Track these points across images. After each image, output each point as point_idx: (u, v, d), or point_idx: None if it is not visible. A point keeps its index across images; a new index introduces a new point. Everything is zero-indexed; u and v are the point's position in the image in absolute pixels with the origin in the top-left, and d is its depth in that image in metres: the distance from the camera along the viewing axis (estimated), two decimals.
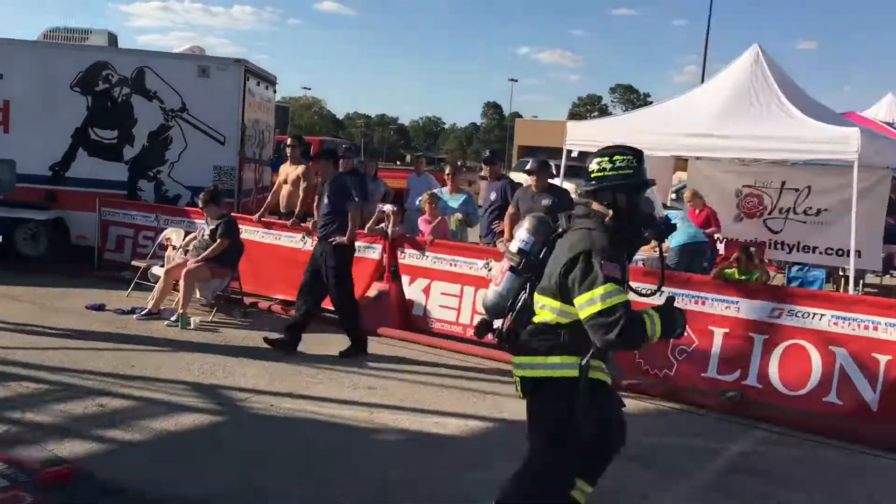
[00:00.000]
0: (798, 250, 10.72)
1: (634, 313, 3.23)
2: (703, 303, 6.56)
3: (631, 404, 6.29)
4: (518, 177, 12.23)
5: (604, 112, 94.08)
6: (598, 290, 3.18)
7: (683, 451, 5.45)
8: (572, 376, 3.32)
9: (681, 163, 14.49)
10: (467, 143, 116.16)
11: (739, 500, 4.73)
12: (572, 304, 3.28)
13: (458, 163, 19.78)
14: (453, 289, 7.97)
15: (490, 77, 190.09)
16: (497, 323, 3.77)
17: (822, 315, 6.04)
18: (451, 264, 8.01)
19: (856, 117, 12.28)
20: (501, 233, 8.15)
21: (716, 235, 10.45)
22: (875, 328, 5.85)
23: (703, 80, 22.85)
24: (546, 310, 3.42)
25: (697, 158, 11.10)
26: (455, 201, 9.18)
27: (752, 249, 7.01)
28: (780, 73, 9.22)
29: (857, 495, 4.93)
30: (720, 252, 10.36)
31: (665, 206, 10.28)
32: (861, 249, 8.55)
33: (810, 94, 9.60)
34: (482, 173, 15.64)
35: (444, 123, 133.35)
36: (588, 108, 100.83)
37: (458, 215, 8.94)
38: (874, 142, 8.38)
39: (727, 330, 6.45)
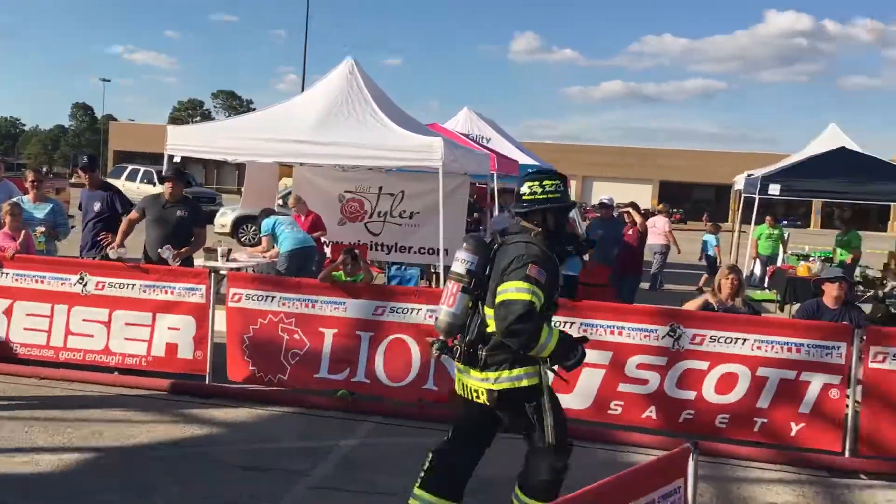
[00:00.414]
0: (396, 251, 11.54)
1: (536, 317, 3.54)
2: (313, 305, 6.71)
3: (245, 413, 6.28)
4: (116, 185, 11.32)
5: (206, 117, 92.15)
6: (515, 283, 3.52)
7: (300, 452, 5.52)
8: (535, 384, 3.66)
9: (286, 169, 14.71)
10: (53, 147, 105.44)
11: (350, 491, 4.92)
12: None
13: (43, 168, 17.73)
14: (42, 308, 7.11)
15: (77, 76, 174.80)
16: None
17: (418, 309, 6.55)
18: (37, 281, 7.13)
19: (438, 128, 13.58)
20: (109, 244, 7.61)
21: (322, 239, 10.80)
22: None
23: (303, 89, 23.48)
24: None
25: (301, 165, 11.36)
26: (40, 211, 8.21)
27: (357, 252, 7.34)
28: (373, 85, 9.84)
29: None
30: (328, 255, 10.72)
31: (273, 212, 10.35)
32: (448, 247, 9.47)
33: (401, 106, 10.39)
34: (73, 180, 14.23)
35: (25, 125, 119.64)
36: (190, 112, 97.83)
37: (42, 227, 7.98)
38: (454, 151, 9.35)
39: (336, 330, 6.68)
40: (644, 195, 57.61)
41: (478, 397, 3.82)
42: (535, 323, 3.58)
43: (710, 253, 15.30)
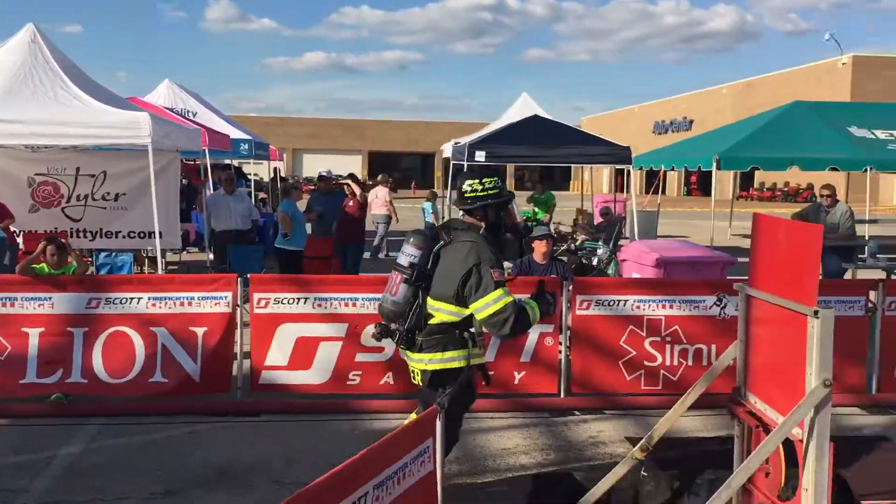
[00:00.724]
0: (102, 236, 10.59)
1: (519, 307, 3.97)
2: (13, 304, 5.99)
3: None
4: None
5: None
6: (491, 295, 3.93)
7: (14, 468, 4.95)
8: (461, 366, 4.06)
9: None
10: None
11: (77, 503, 4.51)
12: (466, 307, 4.01)
13: None
14: None
15: None
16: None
17: (139, 298, 6.11)
18: None
19: (140, 102, 12.66)
20: None
21: (12, 228, 9.63)
22: (190, 304, 6.19)
23: None
24: (442, 312, 4.07)
25: None
26: None
27: (63, 241, 6.64)
28: (61, 55, 8.88)
29: (194, 459, 5.18)
30: (21, 247, 9.58)
31: None
32: (162, 230, 8.90)
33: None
34: None
35: None
36: None
37: None
38: (163, 126, 8.76)
39: (42, 329, 6.03)
40: (354, 166, 58.66)
41: (414, 377, 4.19)
42: (525, 315, 4.03)
43: (428, 219, 15.99)
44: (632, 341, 6.31)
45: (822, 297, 4.70)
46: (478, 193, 4.13)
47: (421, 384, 4.18)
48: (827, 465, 3.37)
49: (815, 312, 3.30)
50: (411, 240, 4.14)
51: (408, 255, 4.12)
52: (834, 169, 12.31)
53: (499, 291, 3.94)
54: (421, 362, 4.11)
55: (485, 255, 3.99)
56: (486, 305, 3.95)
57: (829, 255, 9.47)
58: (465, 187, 4.15)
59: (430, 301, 4.10)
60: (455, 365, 4.08)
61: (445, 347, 4.07)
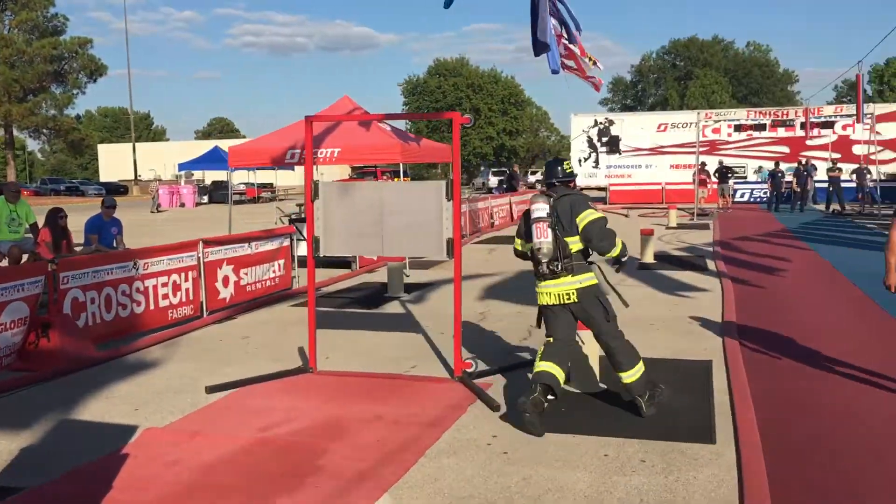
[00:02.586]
0: None
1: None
2: None
3: None
4: None
5: None
6: (591, 212, 5.70)
7: None
8: (595, 283, 5.73)
9: None
10: None
11: None
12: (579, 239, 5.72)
13: None
14: None
15: None
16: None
17: None
18: None
19: None
20: None
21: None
22: None
23: None
24: (574, 244, 5.69)
25: None
26: None
27: None
28: None
29: None
30: None
31: None
32: None
33: None
34: None
35: None
36: None
37: None
38: None
39: None
40: None
41: (569, 298, 5.67)
42: (612, 230, 5.75)
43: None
44: None
45: None
46: (571, 169, 6.07)
47: (568, 301, 5.68)
48: None
49: None
50: (539, 200, 5.76)
51: (542, 209, 5.68)
52: None
53: (598, 213, 5.72)
54: (574, 283, 5.67)
55: (584, 198, 5.82)
56: (588, 216, 5.65)
57: None
58: (566, 167, 6.02)
59: (566, 238, 5.68)
60: (594, 282, 5.75)
61: (583, 271, 5.69)
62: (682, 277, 12.45)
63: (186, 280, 9.43)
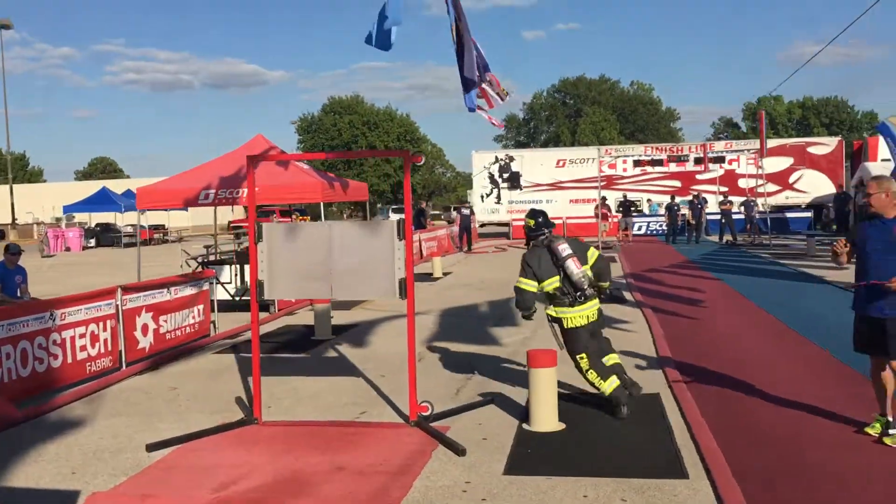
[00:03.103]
0: None
1: None
2: None
3: None
4: None
5: None
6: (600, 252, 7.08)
7: None
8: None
9: None
10: None
11: None
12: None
13: None
14: None
15: None
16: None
17: None
18: None
19: None
20: None
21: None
22: None
23: None
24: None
25: None
26: None
27: None
28: None
29: None
30: None
31: None
32: None
33: None
34: None
35: None
36: None
37: None
38: None
39: None
40: None
41: (594, 316, 6.77)
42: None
43: None
44: None
45: None
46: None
47: (594, 319, 6.78)
48: None
49: None
50: (564, 241, 6.76)
51: (566, 248, 6.68)
52: None
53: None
54: (596, 304, 6.80)
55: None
56: (595, 253, 6.89)
57: None
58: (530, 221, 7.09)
59: (586, 268, 6.72)
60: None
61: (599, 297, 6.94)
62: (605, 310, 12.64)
63: (105, 329, 8.86)
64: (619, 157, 34.24)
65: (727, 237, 28.62)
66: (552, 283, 6.67)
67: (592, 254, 6.80)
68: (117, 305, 9.09)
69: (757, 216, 29.51)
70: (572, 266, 6.60)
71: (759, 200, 30.28)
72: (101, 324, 8.80)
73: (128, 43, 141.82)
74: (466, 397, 7.46)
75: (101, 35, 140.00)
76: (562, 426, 6.30)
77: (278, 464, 5.70)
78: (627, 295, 14.37)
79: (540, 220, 6.90)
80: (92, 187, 69.18)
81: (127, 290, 9.39)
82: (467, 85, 8.03)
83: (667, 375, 7.96)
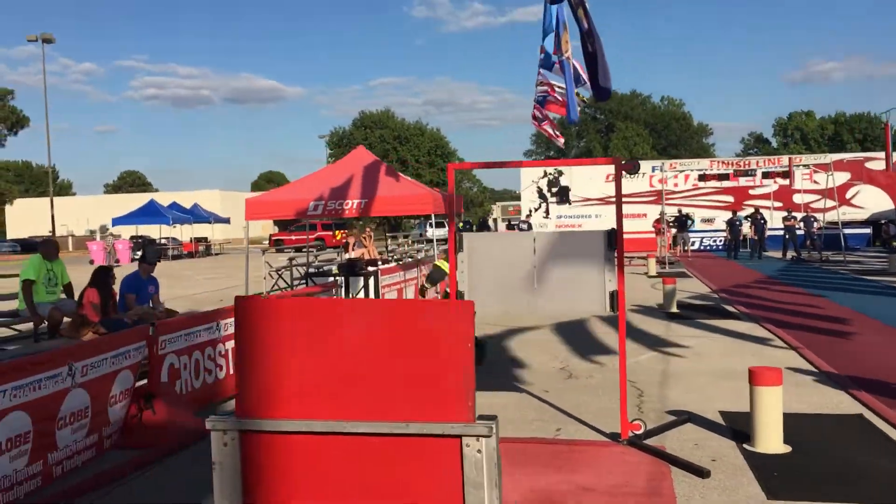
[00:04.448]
0: None
1: None
2: None
3: None
4: None
5: None
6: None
7: None
8: None
9: None
10: None
11: None
12: None
13: None
14: None
15: None
16: None
17: None
18: None
19: None
20: None
21: None
22: None
23: None
24: None
25: None
26: None
27: None
28: None
29: None
30: None
31: None
32: None
33: None
34: None
35: None
36: None
37: None
38: None
39: None
40: None
41: None
42: None
43: None
44: None
45: None
46: None
47: None
48: None
49: None
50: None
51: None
52: None
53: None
54: None
55: None
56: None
57: None
58: None
59: None
60: None
61: None
62: (726, 325, 12.38)
63: None
64: (683, 171, 33.95)
65: (791, 253, 28.23)
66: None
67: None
68: None
69: (817, 232, 29.14)
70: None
71: (819, 216, 29.94)
72: None
73: (150, 59, 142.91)
74: (654, 415, 7.22)
75: (123, 51, 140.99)
76: (787, 448, 6.05)
77: (519, 481, 5.48)
78: (731, 309, 14.10)
79: None
80: (120, 200, 69.55)
81: None
82: (601, 92, 7.88)
83: (856, 395, 7.68)
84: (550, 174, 37.76)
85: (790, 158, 29.47)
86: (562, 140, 14.61)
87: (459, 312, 2.55)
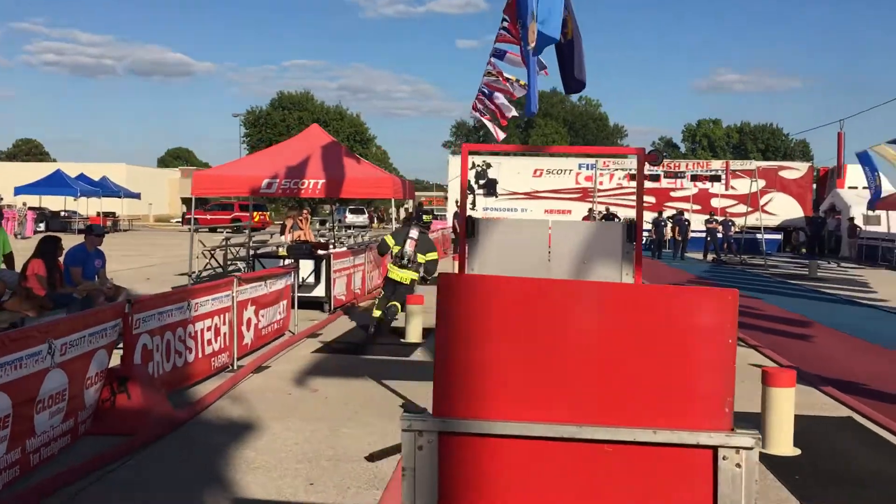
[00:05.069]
0: None
1: None
2: None
3: None
4: None
5: None
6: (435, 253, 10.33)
7: None
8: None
9: None
10: None
11: None
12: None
13: None
14: None
15: None
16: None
17: None
18: None
19: None
20: None
21: None
22: None
23: None
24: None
25: None
26: None
27: None
28: None
29: None
30: None
31: None
32: None
33: None
34: None
35: None
36: None
37: None
38: None
39: None
40: None
41: (405, 281, 10.15)
42: None
43: None
44: None
45: None
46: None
47: (402, 282, 10.15)
48: None
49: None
50: (418, 232, 10.20)
51: (415, 236, 10.08)
52: None
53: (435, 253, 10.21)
54: (413, 277, 10.21)
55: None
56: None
57: None
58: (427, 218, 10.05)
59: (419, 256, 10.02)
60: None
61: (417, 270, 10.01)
62: None
63: (224, 323, 8.16)
64: (617, 169, 34.35)
65: (711, 255, 29.04)
66: (395, 247, 10.15)
67: (430, 255, 10.22)
68: (233, 297, 8.38)
69: (733, 236, 30.09)
70: (408, 246, 10.07)
71: (737, 220, 30.93)
72: (221, 317, 8.09)
73: (49, 22, 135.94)
74: None
75: (17, 12, 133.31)
76: (797, 451, 6.01)
77: None
78: None
79: (423, 217, 10.73)
80: (12, 169, 65.39)
81: (241, 281, 8.68)
82: (574, 85, 7.76)
83: (830, 394, 7.78)
84: (479, 166, 37.70)
85: (726, 163, 30.20)
86: (502, 136, 14.44)
87: (721, 302, 2.25)
